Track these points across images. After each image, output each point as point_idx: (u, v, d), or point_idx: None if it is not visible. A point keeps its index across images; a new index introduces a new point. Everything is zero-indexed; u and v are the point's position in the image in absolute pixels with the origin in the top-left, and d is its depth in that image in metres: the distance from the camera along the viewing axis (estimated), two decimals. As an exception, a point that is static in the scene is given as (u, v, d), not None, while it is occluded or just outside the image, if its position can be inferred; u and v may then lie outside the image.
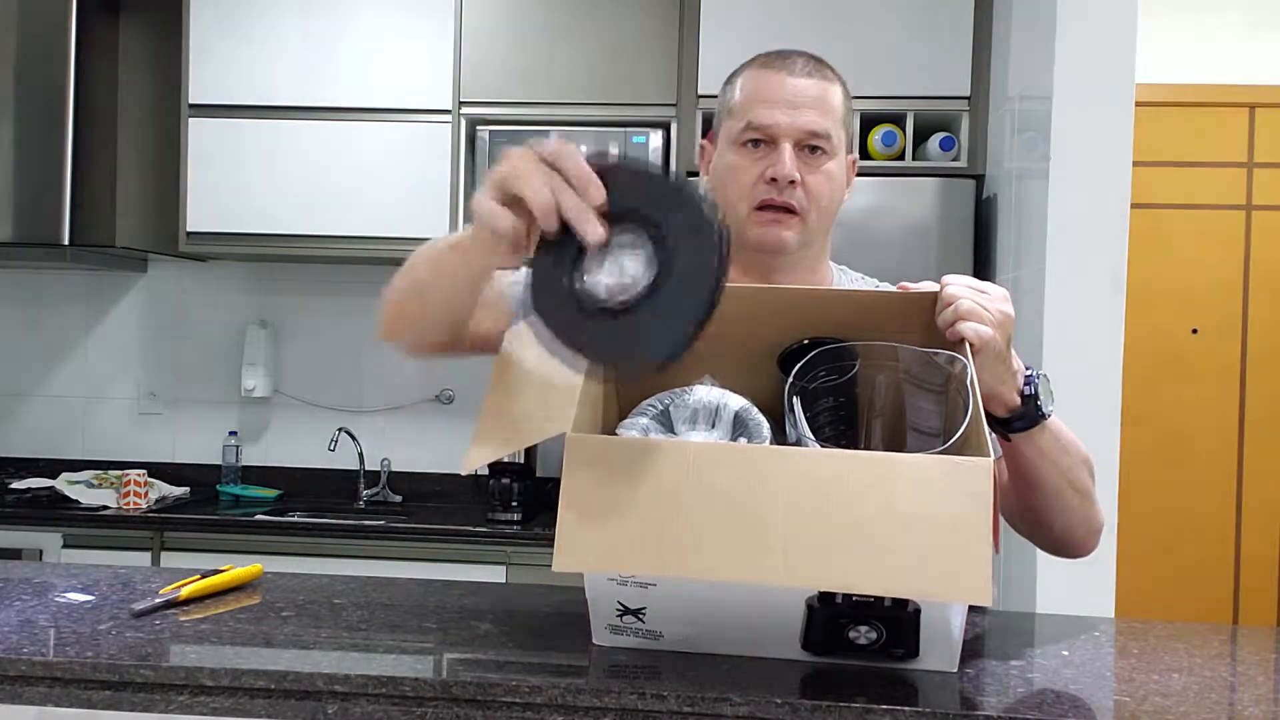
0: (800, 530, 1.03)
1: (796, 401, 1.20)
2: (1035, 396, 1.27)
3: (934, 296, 1.22)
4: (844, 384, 1.25)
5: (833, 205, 1.45)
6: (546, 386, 1.22)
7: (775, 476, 1.05)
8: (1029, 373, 1.28)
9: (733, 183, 1.43)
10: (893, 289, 1.44)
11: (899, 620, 1.09)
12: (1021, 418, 1.27)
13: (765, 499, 1.04)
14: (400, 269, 1.32)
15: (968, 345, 1.17)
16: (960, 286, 1.21)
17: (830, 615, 1.10)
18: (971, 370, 1.15)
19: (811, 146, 1.41)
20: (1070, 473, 1.33)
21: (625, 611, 1.15)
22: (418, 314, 1.31)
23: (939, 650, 1.12)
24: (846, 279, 1.56)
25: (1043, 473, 1.32)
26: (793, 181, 1.39)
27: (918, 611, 1.08)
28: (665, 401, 1.20)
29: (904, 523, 1.02)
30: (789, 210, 1.41)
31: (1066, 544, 1.42)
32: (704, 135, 3.20)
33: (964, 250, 3.03)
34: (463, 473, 1.26)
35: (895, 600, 1.07)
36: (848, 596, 1.07)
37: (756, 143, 1.42)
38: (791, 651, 1.14)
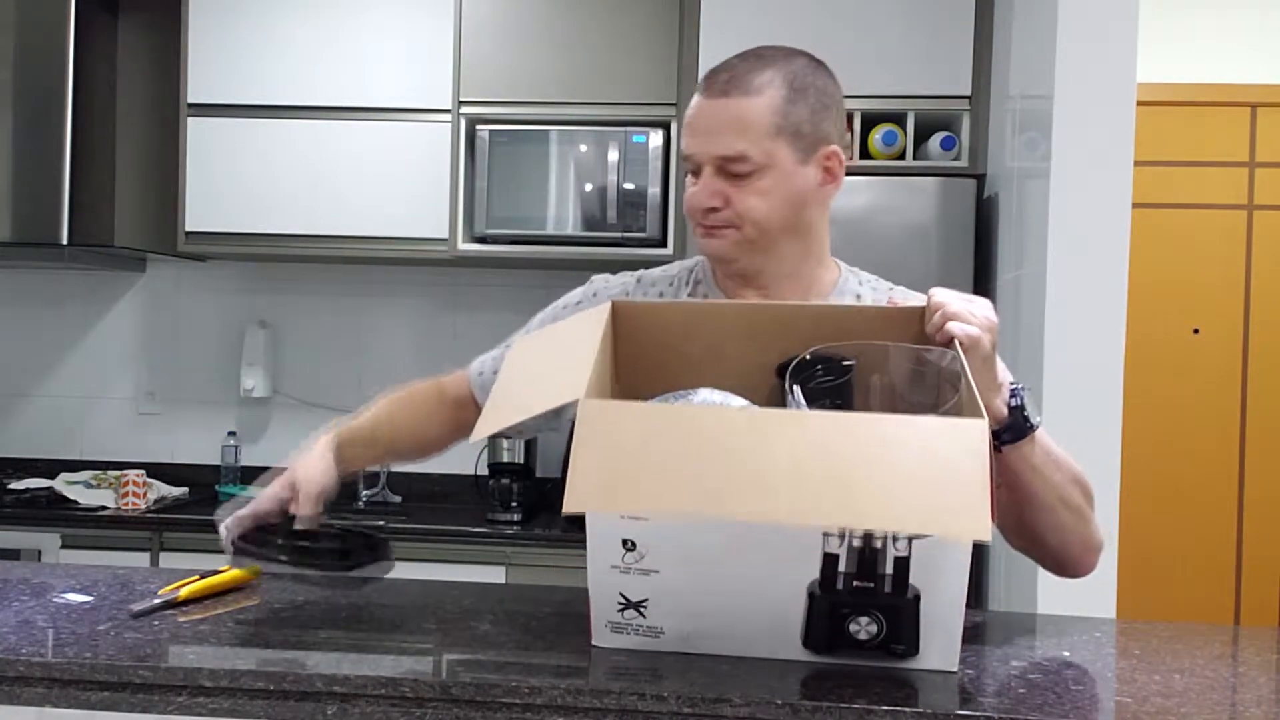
0: (804, 475, 1.05)
1: (796, 389, 1.24)
2: (1022, 408, 1.28)
3: (922, 309, 1.27)
4: (840, 385, 1.28)
5: (775, 215, 1.44)
6: (558, 367, 1.25)
7: (780, 432, 1.09)
8: (1014, 385, 1.29)
9: (685, 206, 1.48)
10: (901, 290, 1.51)
11: (899, 610, 1.11)
12: (1010, 429, 1.28)
13: (770, 450, 1.07)
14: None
15: (957, 344, 1.21)
16: (946, 293, 1.27)
17: (831, 604, 1.11)
18: (962, 358, 1.19)
19: (731, 171, 1.42)
20: (1061, 489, 1.35)
21: (627, 605, 1.15)
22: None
23: (939, 647, 1.12)
24: (855, 279, 1.56)
25: (1034, 487, 1.33)
26: (713, 209, 1.43)
27: (917, 599, 1.10)
28: (670, 402, 1.22)
29: (903, 470, 1.05)
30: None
31: (1063, 561, 1.43)
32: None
33: (964, 250, 3.03)
34: (471, 441, 1.35)
35: (894, 587, 1.09)
36: (848, 581, 1.09)
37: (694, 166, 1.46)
38: (792, 650, 1.14)
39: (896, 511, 1.04)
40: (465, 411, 1.59)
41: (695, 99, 1.45)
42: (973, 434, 1.06)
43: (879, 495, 1.04)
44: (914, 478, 1.04)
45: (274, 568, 1.38)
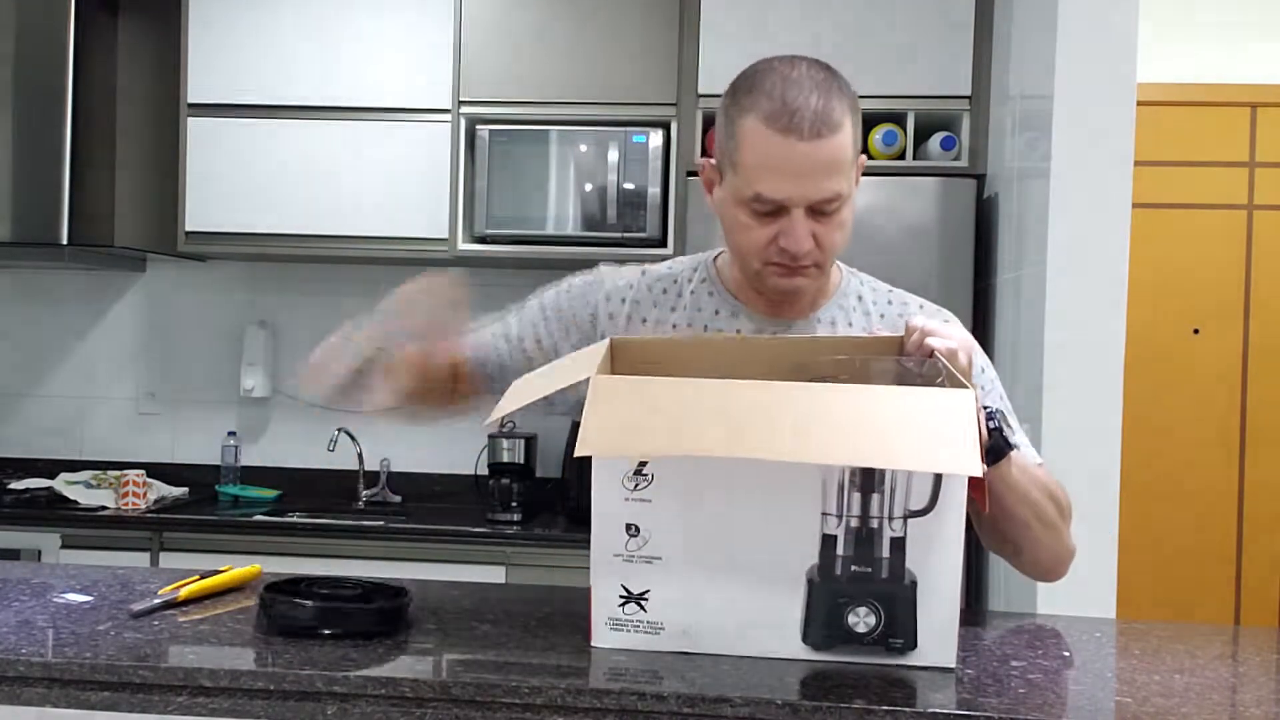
0: (807, 424, 1.11)
1: None
2: (1000, 429, 1.30)
3: (902, 338, 1.34)
4: None
5: (846, 241, 1.46)
6: (572, 369, 1.29)
7: (784, 396, 1.15)
8: (989, 409, 1.31)
9: (743, 239, 1.43)
10: (900, 294, 1.58)
11: (896, 597, 1.13)
12: (990, 450, 1.29)
13: (775, 407, 1.13)
14: None
15: (937, 356, 1.27)
16: (924, 317, 1.36)
17: (830, 593, 1.14)
18: (943, 360, 1.25)
19: (822, 211, 1.40)
20: (1036, 505, 1.39)
21: (628, 599, 1.17)
22: None
23: (937, 641, 1.14)
24: (856, 280, 1.59)
25: (1010, 504, 1.36)
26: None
27: (914, 585, 1.13)
28: None
29: (898, 423, 1.12)
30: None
31: (1035, 569, 1.48)
32: (704, 134, 3.20)
33: (964, 250, 3.03)
34: (483, 424, 1.41)
35: (891, 574, 1.13)
36: (846, 566, 1.13)
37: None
38: (791, 647, 1.15)
39: (893, 451, 1.10)
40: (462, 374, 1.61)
41: (772, 137, 1.36)
42: (960, 399, 1.13)
43: (877, 439, 1.10)
44: (908, 427, 1.11)
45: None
